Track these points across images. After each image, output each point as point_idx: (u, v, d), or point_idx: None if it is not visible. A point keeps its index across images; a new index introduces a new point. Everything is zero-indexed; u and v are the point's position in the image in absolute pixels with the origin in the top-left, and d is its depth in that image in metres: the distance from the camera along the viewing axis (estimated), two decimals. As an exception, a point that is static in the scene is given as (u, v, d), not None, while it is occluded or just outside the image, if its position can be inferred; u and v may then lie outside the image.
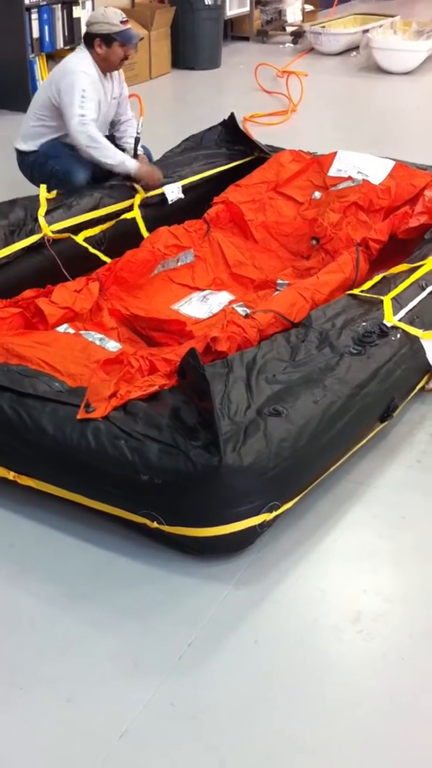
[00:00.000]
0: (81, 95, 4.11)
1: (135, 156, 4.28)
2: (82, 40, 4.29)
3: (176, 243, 3.88)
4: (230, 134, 4.78)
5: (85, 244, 3.80)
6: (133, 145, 4.36)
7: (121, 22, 4.16)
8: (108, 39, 4.15)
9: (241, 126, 4.86)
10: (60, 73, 4.23)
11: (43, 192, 3.90)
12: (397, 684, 2.14)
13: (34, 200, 3.84)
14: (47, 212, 3.77)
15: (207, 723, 2.02)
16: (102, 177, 4.22)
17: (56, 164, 4.21)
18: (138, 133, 4.31)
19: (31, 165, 4.37)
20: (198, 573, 2.44)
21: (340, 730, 2.02)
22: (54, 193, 3.95)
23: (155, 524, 2.40)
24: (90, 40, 4.19)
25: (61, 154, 4.23)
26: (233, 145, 4.74)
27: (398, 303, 3.12)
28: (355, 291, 3.25)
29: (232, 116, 4.79)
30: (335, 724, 2.03)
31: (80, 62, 4.21)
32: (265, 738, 2.00)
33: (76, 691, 2.10)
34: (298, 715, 2.05)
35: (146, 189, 4.18)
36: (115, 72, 4.35)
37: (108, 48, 4.17)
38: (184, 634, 2.24)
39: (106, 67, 4.24)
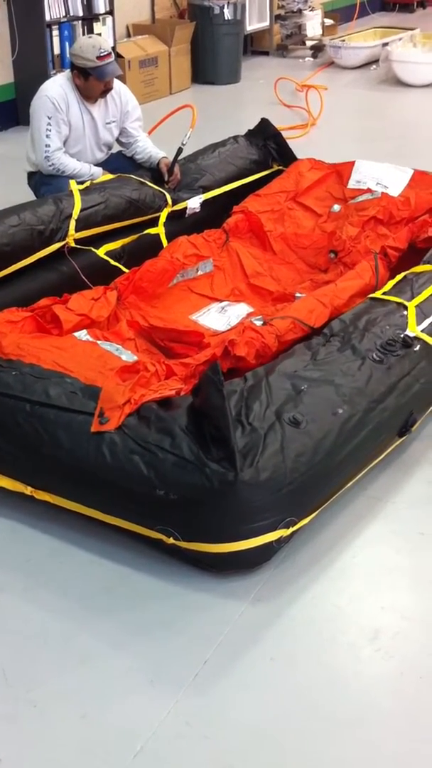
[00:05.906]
0: (47, 123, 4.13)
1: (173, 164, 4.25)
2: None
3: (195, 252, 3.87)
4: (259, 135, 4.73)
5: (106, 257, 3.79)
6: (153, 155, 4.36)
7: (99, 57, 4.05)
8: (84, 72, 4.12)
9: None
10: (35, 95, 4.24)
11: (73, 186, 3.87)
12: (414, 703, 2.10)
13: (69, 197, 3.78)
14: (81, 210, 3.73)
15: (222, 743, 2.00)
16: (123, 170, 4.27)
17: (47, 190, 4.18)
18: (183, 143, 4.29)
19: (35, 186, 4.40)
20: (214, 589, 2.42)
21: (357, 749, 1.99)
22: (87, 183, 3.94)
23: (171, 540, 2.38)
24: (72, 67, 4.18)
25: (51, 181, 4.22)
26: (262, 144, 4.68)
27: (422, 312, 3.06)
28: (377, 294, 3.20)
29: (264, 120, 4.74)
30: (351, 744, 2.00)
31: (53, 84, 4.21)
32: (280, 757, 1.97)
33: (90, 707, 2.08)
34: (314, 735, 2.02)
35: (170, 184, 4.20)
36: (116, 97, 4.32)
37: (85, 81, 4.15)
38: (200, 652, 2.22)
39: (86, 96, 4.22)
